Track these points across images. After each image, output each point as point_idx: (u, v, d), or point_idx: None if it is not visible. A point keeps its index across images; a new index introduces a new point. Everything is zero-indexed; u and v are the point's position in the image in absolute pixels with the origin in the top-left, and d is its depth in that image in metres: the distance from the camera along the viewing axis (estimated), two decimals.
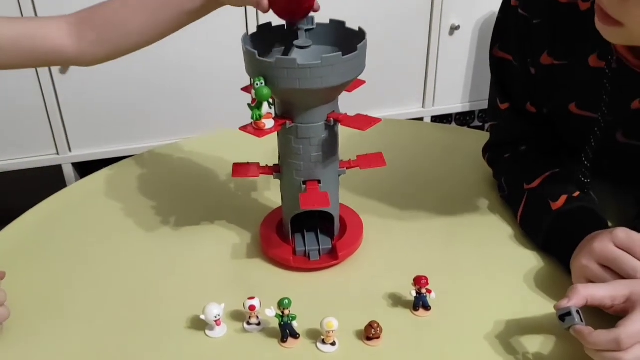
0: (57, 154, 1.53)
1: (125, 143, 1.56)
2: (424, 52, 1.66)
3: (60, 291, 0.64)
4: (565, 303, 0.51)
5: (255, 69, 0.56)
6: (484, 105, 1.71)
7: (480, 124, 1.98)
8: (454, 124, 1.95)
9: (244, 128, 0.57)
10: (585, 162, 0.66)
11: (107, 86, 1.46)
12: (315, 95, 0.57)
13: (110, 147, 1.55)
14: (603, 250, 0.55)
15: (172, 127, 1.56)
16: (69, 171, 1.56)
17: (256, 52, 0.55)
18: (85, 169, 1.58)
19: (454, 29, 1.64)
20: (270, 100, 0.56)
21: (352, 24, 0.61)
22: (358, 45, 0.56)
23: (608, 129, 0.64)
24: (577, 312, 0.51)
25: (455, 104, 1.77)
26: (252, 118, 0.56)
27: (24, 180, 1.59)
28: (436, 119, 1.82)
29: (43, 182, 1.37)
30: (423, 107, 1.75)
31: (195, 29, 0.66)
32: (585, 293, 0.51)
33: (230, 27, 1.43)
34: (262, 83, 0.55)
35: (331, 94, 0.59)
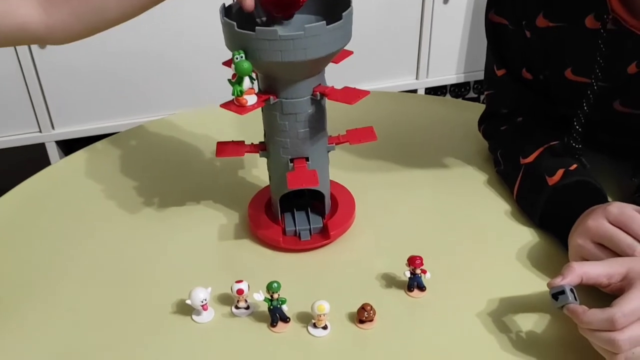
0: (40, 132, 1.49)
1: (110, 120, 1.53)
2: (417, 21, 1.62)
3: (43, 273, 0.62)
4: (558, 281, 0.50)
5: (234, 41, 0.53)
6: (480, 76, 1.68)
7: (476, 95, 1.95)
8: (448, 96, 1.93)
9: (225, 105, 0.55)
10: (577, 127, 0.64)
11: (89, 60, 1.42)
12: (299, 68, 0.54)
13: (94, 125, 1.52)
14: (598, 228, 0.54)
15: (159, 102, 1.52)
16: (52, 150, 1.53)
17: (235, 23, 0.52)
18: (69, 147, 1.55)
19: None
20: (253, 75, 0.53)
21: None
22: (343, 14, 0.53)
23: (605, 97, 0.63)
24: (571, 290, 0.50)
25: (450, 75, 1.74)
26: (233, 94, 0.53)
27: (6, 159, 1.55)
28: (430, 90, 1.80)
29: (27, 161, 1.34)
30: (416, 78, 1.72)
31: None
32: (580, 271, 0.50)
33: None
34: (242, 57, 0.52)
35: (316, 67, 0.56)
